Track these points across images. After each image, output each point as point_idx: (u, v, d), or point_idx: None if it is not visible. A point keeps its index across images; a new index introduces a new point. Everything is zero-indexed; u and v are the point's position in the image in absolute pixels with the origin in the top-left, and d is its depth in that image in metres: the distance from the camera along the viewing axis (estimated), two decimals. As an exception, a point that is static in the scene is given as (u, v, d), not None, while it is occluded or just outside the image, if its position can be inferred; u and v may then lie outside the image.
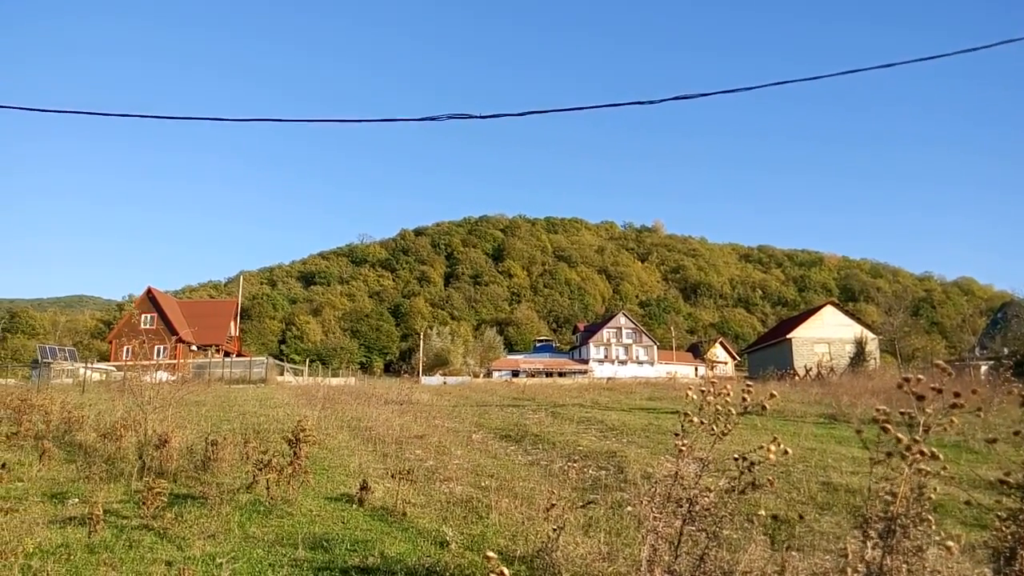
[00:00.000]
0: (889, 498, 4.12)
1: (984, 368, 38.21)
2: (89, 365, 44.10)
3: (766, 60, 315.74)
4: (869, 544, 4.19)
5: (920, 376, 4.11)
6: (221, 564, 6.09)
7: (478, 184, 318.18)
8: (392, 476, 9.40)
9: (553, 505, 6.30)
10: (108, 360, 59.80)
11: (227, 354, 65.59)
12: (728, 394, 4.83)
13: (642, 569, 4.97)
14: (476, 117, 8.96)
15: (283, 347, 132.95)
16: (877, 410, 4.15)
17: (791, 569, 5.11)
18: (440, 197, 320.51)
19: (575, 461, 12.16)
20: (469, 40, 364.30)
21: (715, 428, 4.88)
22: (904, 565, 4.05)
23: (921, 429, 4.02)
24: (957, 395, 3.96)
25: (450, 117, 8.85)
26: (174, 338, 62.82)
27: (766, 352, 68.69)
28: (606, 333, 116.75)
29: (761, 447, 4.59)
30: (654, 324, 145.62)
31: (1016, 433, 4.23)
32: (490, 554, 4.08)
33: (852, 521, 7.26)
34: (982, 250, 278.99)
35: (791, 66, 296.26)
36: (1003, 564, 4.12)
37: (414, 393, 28.44)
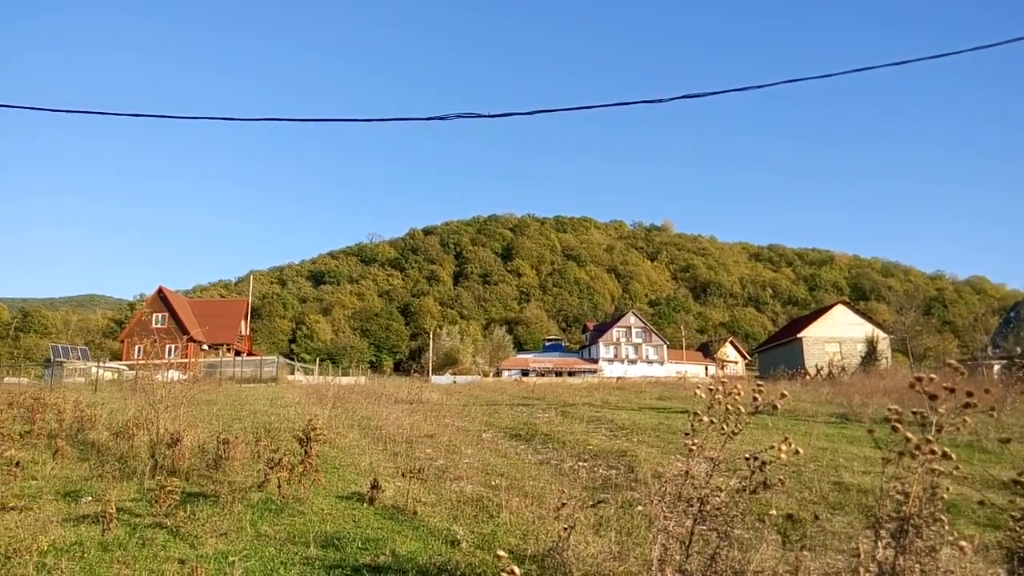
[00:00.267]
0: (901, 498, 4.10)
1: (997, 367, 37.95)
2: (101, 364, 44.41)
3: (775, 59, 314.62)
4: (881, 544, 4.17)
5: (932, 375, 4.09)
6: (233, 562, 6.12)
7: (487, 183, 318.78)
8: (403, 475, 9.41)
9: (563, 504, 6.30)
10: (120, 359, 60.16)
11: (238, 353, 65.92)
12: (738, 393, 4.82)
13: (653, 568, 4.97)
14: (485, 116, 8.96)
15: (293, 346, 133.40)
16: (889, 409, 4.14)
17: (803, 569, 5.10)
18: (449, 196, 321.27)
19: (585, 460, 12.16)
20: (478, 40, 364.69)
21: (726, 427, 4.87)
22: (917, 565, 4.04)
23: (933, 429, 4.00)
24: (970, 394, 3.94)
25: (459, 116, 8.86)
26: (185, 337, 63.18)
27: (777, 351, 68.44)
28: (616, 332, 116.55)
29: (772, 447, 4.58)
30: (664, 323, 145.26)
31: (1030, 433, 4.21)
32: (501, 553, 4.09)
33: (864, 521, 7.24)
34: (995, 249, 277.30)
35: (800, 65, 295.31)
36: (1017, 564, 4.10)
37: (424, 392, 28.47)
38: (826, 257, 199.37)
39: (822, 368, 49.81)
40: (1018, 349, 43.84)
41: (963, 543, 4.04)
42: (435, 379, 64.52)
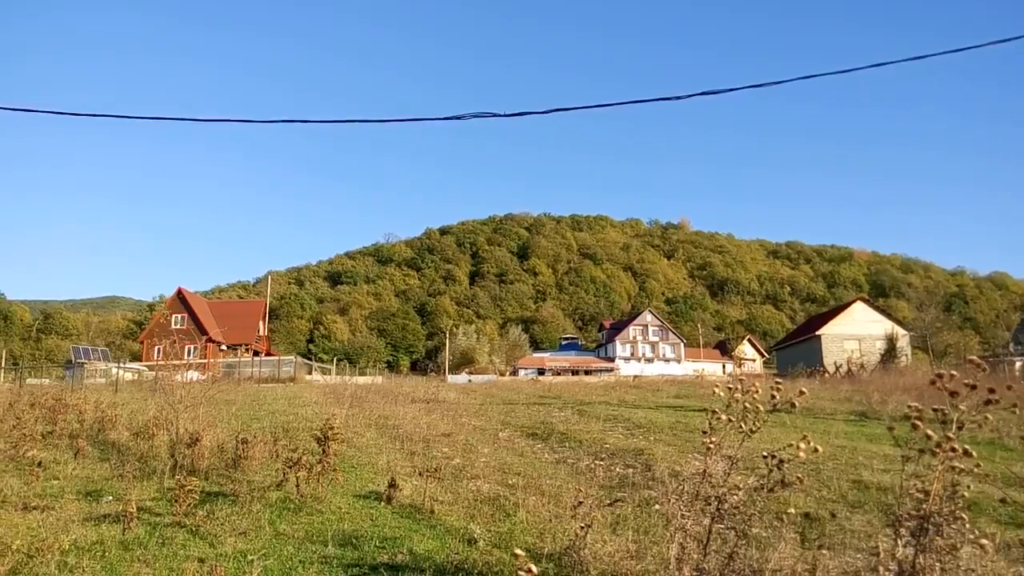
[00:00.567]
0: (922, 496, 4.07)
1: (1019, 364, 37.56)
2: (121, 365, 44.81)
3: (791, 58, 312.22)
4: (901, 542, 4.14)
5: (953, 372, 4.05)
6: (252, 561, 6.16)
7: (503, 182, 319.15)
8: (420, 474, 9.44)
9: (580, 503, 6.29)
10: (140, 360, 60.67)
11: (256, 353, 66.30)
12: (757, 391, 4.79)
13: (671, 567, 4.95)
14: (501, 116, 8.96)
15: (311, 346, 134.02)
16: (909, 407, 4.11)
17: (822, 568, 5.06)
18: (465, 196, 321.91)
19: (602, 459, 12.13)
20: (494, 40, 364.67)
21: (744, 426, 4.85)
22: (937, 564, 4.00)
23: (954, 426, 3.97)
24: (992, 391, 3.90)
25: (475, 116, 8.86)
26: (204, 338, 63.55)
27: (795, 349, 67.99)
28: (632, 331, 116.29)
29: (791, 445, 4.55)
30: (681, 321, 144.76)
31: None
32: (518, 551, 4.09)
33: (884, 519, 7.17)
34: (1016, 245, 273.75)
35: (817, 63, 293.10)
36: (1040, 563, 4.05)
37: (440, 391, 28.51)
38: (845, 254, 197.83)
39: (841, 366, 49.43)
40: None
41: (984, 541, 4.00)
42: (451, 378, 64.61)
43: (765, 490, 4.75)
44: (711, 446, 5.01)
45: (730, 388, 4.98)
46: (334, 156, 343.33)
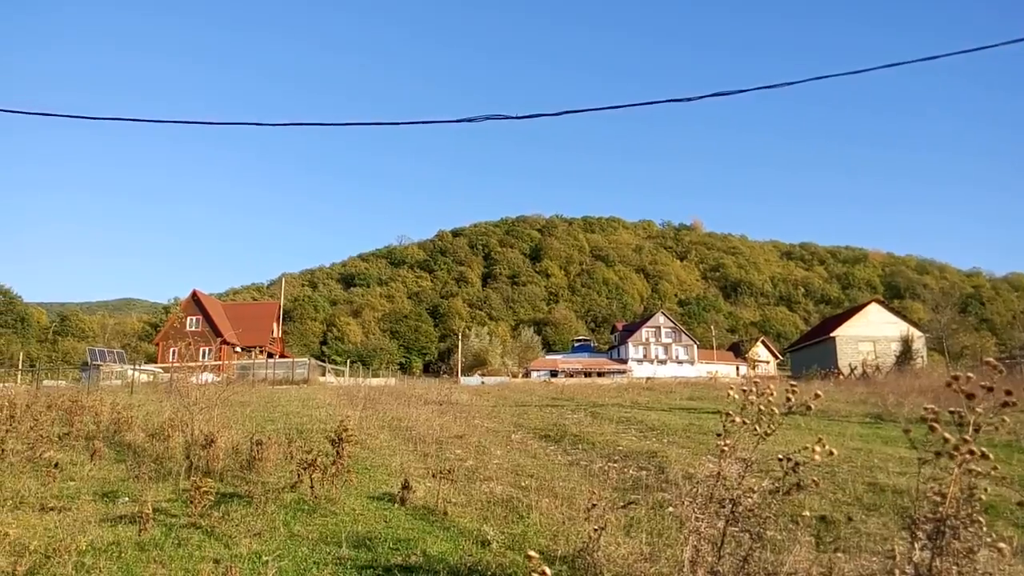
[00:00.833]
0: (938, 499, 4.04)
1: (1036, 366, 37.17)
2: (137, 367, 45.15)
3: (804, 58, 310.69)
4: (917, 546, 4.12)
5: (970, 374, 4.02)
6: (267, 562, 6.19)
7: (515, 184, 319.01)
8: (433, 476, 9.45)
9: (594, 505, 6.28)
10: (155, 362, 61.10)
11: (270, 355, 66.63)
12: (771, 393, 4.77)
13: (685, 570, 4.94)
14: (513, 118, 8.98)
15: (324, 348, 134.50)
16: (925, 409, 4.08)
17: (837, 571, 5.04)
18: (477, 198, 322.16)
19: (615, 461, 12.11)
20: (505, 42, 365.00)
21: (758, 428, 4.83)
22: (954, 567, 3.98)
23: (971, 428, 3.94)
24: (1009, 393, 3.87)
25: (487, 118, 8.88)
26: (219, 340, 63.93)
27: (809, 351, 67.59)
28: (645, 332, 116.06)
29: (806, 447, 4.53)
30: (694, 323, 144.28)
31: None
32: (532, 553, 4.09)
33: (899, 522, 7.12)
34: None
35: (831, 64, 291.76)
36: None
37: (453, 393, 28.54)
38: (859, 255, 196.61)
39: (856, 368, 49.12)
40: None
41: (1002, 545, 3.97)
42: (464, 380, 64.66)
43: (780, 493, 4.73)
44: (726, 449, 4.99)
45: (744, 390, 4.96)
46: (347, 158, 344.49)
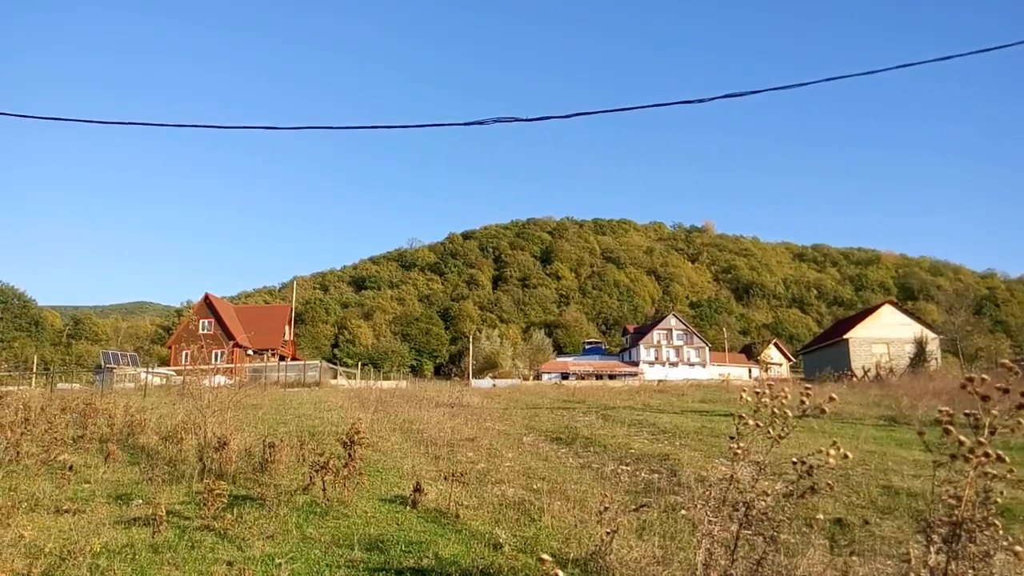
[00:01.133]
0: (953, 502, 4.01)
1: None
2: (150, 370, 45.43)
3: (817, 60, 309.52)
4: (933, 549, 4.08)
5: (985, 376, 3.99)
6: (280, 564, 6.21)
7: (525, 187, 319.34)
8: (444, 478, 9.46)
9: (606, 508, 6.27)
10: (168, 365, 61.47)
11: (282, 358, 66.92)
12: (786, 396, 4.75)
13: (698, 573, 4.92)
14: (523, 120, 8.99)
15: (336, 351, 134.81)
16: (940, 411, 4.05)
17: (852, 574, 5.01)
18: (488, 200, 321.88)
19: (627, 464, 12.09)
20: (517, 45, 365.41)
21: (771, 431, 4.81)
22: (970, 571, 3.94)
23: (986, 431, 3.91)
24: (1025, 395, 3.83)
25: (497, 121, 8.90)
26: (231, 343, 64.21)
27: (822, 353, 67.23)
28: (656, 335, 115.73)
29: (820, 451, 4.50)
30: (705, 325, 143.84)
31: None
32: (544, 556, 4.09)
33: (914, 526, 7.07)
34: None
35: (843, 65, 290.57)
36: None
37: (464, 396, 28.56)
38: (872, 257, 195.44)
39: (869, 370, 48.84)
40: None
41: (1018, 548, 3.94)
42: (475, 383, 64.70)
43: (795, 496, 4.70)
44: (738, 452, 4.97)
45: (757, 393, 4.94)
46: (357, 162, 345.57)
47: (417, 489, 8.69)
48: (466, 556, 6.59)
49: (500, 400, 29.40)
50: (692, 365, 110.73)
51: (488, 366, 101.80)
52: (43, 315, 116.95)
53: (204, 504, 7.52)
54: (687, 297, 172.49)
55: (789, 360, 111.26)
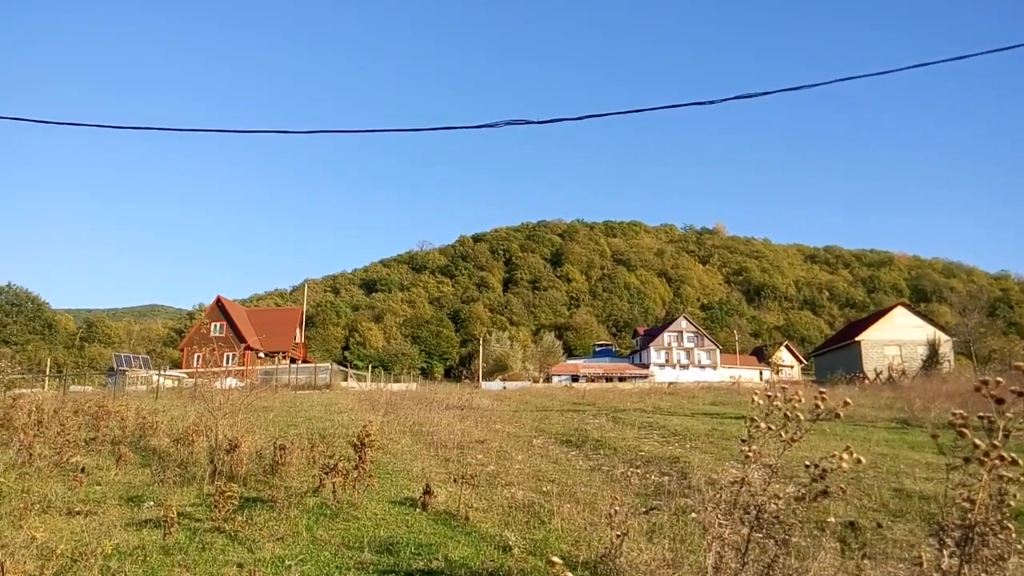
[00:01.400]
0: (967, 505, 3.98)
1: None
2: (162, 372, 45.68)
3: (829, 61, 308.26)
4: (946, 553, 4.05)
5: (999, 379, 3.95)
6: (290, 566, 6.22)
7: (536, 189, 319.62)
8: (454, 480, 9.46)
9: (616, 511, 6.25)
10: (180, 367, 61.72)
11: (293, 360, 67.07)
12: (799, 399, 4.72)
13: (708, 576, 4.90)
14: (534, 123, 8.99)
15: (346, 353, 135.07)
16: (954, 414, 4.02)
17: (864, 578, 4.96)
18: (498, 203, 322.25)
19: (637, 466, 12.06)
20: (527, 47, 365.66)
21: (784, 434, 4.78)
22: (983, 574, 3.91)
23: (1001, 434, 3.87)
24: (1040, 398, 3.79)
25: (508, 124, 8.91)
26: (242, 345, 64.51)
27: (834, 355, 66.91)
28: (667, 337, 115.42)
29: (832, 454, 4.47)
30: (716, 327, 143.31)
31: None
32: (554, 559, 4.08)
33: (927, 529, 7.02)
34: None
35: (855, 66, 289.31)
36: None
37: (474, 398, 28.57)
38: (885, 258, 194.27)
39: (881, 372, 48.58)
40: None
41: (1032, 552, 3.90)
42: (485, 385, 64.72)
43: (807, 500, 4.67)
44: (750, 454, 4.94)
45: (769, 396, 4.91)
46: (368, 164, 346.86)
47: (427, 491, 8.68)
48: (476, 558, 6.59)
49: (510, 402, 29.40)
50: (703, 367, 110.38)
51: (498, 368, 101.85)
52: (56, 318, 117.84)
53: (215, 506, 7.54)
54: (698, 299, 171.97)
55: (800, 362, 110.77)
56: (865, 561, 5.60)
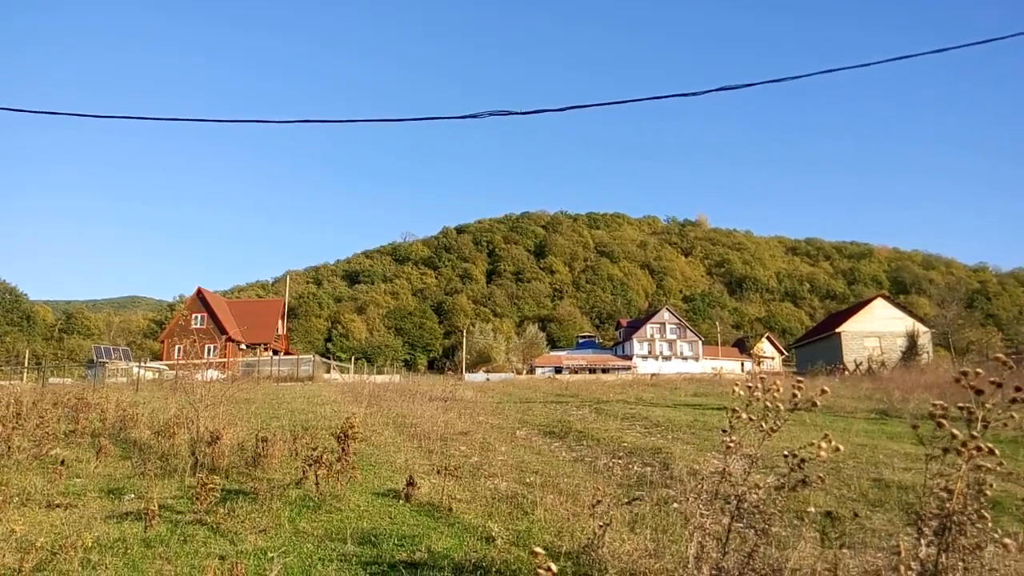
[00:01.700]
0: (945, 495, 4.03)
1: (1043, 361, 37.09)
2: (142, 364, 45.27)
3: (811, 53, 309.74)
4: (923, 542, 4.10)
5: (978, 370, 4.00)
6: (272, 558, 6.20)
7: (520, 181, 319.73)
8: (438, 472, 9.47)
9: (598, 501, 6.28)
10: (160, 359, 61.29)
11: (275, 352, 66.79)
12: (778, 390, 4.76)
13: (689, 566, 4.93)
14: (517, 114, 8.97)
15: (329, 345, 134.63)
16: (933, 405, 4.06)
17: (842, 567, 5.03)
18: (482, 194, 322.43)
19: (620, 457, 12.11)
20: (510, 38, 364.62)
21: (764, 424, 4.82)
22: (960, 563, 3.96)
23: (979, 424, 3.92)
24: (1018, 389, 3.84)
25: (491, 114, 8.87)
26: (224, 337, 64.18)
27: (814, 347, 67.44)
28: (650, 329, 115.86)
29: (812, 444, 4.52)
30: (698, 319, 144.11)
31: (1079, 428, 4.11)
32: (537, 550, 4.09)
33: (905, 519, 7.11)
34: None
35: (837, 58, 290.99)
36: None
37: (458, 390, 28.53)
38: (865, 250, 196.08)
39: (861, 363, 49.05)
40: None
41: (1007, 540, 3.96)
42: (469, 377, 64.72)
43: (786, 489, 4.72)
44: (731, 445, 4.97)
45: (750, 387, 4.94)
46: (351, 155, 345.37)
47: (410, 483, 8.68)
48: (459, 549, 6.60)
49: (493, 394, 29.42)
50: (685, 359, 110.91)
51: (482, 360, 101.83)
52: (35, 309, 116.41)
53: (196, 498, 7.50)
54: (680, 291, 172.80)
55: (782, 354, 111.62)
56: (844, 551, 5.67)
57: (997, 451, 3.89)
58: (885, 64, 8.44)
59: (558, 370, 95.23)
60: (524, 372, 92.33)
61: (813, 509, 5.21)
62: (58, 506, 7.95)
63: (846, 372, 43.53)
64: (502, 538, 6.90)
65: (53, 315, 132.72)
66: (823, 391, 4.68)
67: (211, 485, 7.54)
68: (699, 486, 5.33)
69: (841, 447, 4.52)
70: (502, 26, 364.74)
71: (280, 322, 78.90)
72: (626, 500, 7.62)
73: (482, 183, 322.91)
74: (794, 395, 4.67)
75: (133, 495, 8.60)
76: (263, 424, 14.14)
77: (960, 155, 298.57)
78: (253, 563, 6.11)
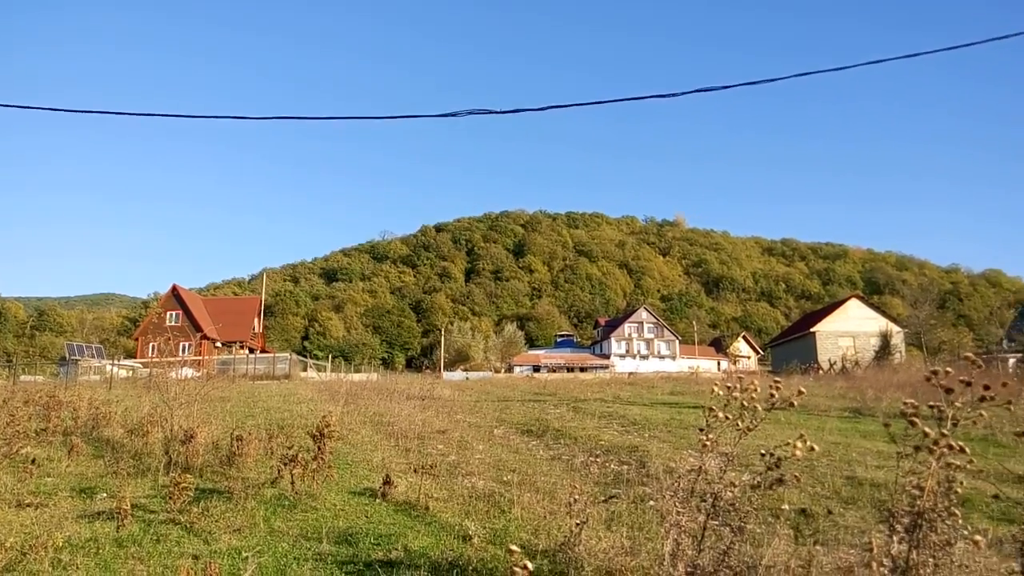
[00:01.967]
0: (916, 492, 4.08)
1: (1012, 361, 37.76)
2: (116, 362, 44.78)
3: (789, 54, 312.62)
4: (895, 538, 4.15)
5: (949, 369, 4.06)
6: (247, 558, 6.15)
7: (499, 180, 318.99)
8: (415, 471, 9.44)
9: (575, 500, 6.29)
10: (134, 357, 60.62)
11: (251, 350, 66.29)
12: (756, 389, 4.79)
13: (665, 563, 4.96)
14: (496, 112, 8.97)
15: (306, 343, 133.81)
16: (905, 403, 4.11)
17: (816, 563, 5.07)
18: (461, 193, 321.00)
19: (597, 456, 12.15)
20: (489, 37, 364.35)
21: (740, 423, 4.85)
22: (931, 559, 4.01)
23: (950, 423, 3.98)
24: (987, 388, 3.90)
25: (470, 113, 8.86)
26: (199, 335, 63.51)
27: (790, 346, 68.10)
28: (627, 328, 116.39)
29: (787, 443, 4.55)
30: (676, 318, 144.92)
31: (1046, 426, 4.17)
32: (513, 548, 4.09)
33: (877, 515, 7.19)
34: (1010, 242, 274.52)
35: (814, 60, 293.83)
36: (1032, 558, 4.07)
37: (436, 388, 28.51)
38: (840, 251, 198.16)
39: (835, 363, 49.62)
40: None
41: (977, 537, 4.02)
42: (447, 375, 64.66)
43: (762, 487, 4.75)
44: (707, 443, 5.01)
45: (728, 386, 4.98)
46: (329, 153, 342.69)
47: (387, 482, 8.65)
48: (435, 548, 6.58)
49: (471, 393, 29.39)
50: (662, 358, 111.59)
51: (460, 359, 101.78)
52: (6, 306, 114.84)
53: (170, 497, 7.43)
54: (658, 290, 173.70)
55: (757, 353, 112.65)
56: (817, 547, 5.73)
57: (967, 449, 3.95)
58: (862, 66, 8.51)
59: (536, 369, 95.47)
60: (502, 371, 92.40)
61: (787, 507, 5.26)
62: (28, 505, 7.83)
63: (820, 371, 44.03)
64: (479, 536, 6.89)
65: (25, 312, 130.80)
66: (800, 392, 4.73)
67: (185, 484, 7.47)
68: (675, 484, 5.35)
69: (816, 446, 4.56)
70: (482, 25, 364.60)
71: (256, 320, 78.35)
72: (603, 498, 7.64)
73: (461, 182, 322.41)
74: (772, 395, 4.70)
75: (105, 494, 8.50)
76: (238, 423, 14.02)
77: (932, 156, 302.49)
78: (227, 563, 6.06)
